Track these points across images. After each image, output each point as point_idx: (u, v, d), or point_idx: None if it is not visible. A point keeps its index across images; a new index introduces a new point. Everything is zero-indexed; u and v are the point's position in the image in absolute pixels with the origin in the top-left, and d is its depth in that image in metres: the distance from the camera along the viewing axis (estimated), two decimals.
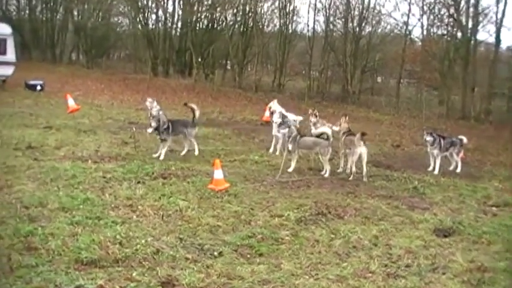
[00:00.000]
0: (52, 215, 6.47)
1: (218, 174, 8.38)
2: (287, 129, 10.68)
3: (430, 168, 11.71)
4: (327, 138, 10.36)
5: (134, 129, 12.15)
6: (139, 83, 30.84)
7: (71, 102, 14.66)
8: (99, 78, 31.62)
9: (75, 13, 44.78)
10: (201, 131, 14.12)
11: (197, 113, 11.69)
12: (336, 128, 11.10)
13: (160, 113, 12.31)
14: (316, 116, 12.27)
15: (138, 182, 8.41)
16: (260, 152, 12.32)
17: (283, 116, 12.28)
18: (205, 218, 6.84)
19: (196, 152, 11.31)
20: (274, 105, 14.79)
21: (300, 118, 13.89)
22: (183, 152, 11.39)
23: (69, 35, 46.00)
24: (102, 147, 11.30)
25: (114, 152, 10.74)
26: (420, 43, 34.66)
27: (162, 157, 10.56)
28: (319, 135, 10.58)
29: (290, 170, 10.41)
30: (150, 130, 11.17)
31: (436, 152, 11.62)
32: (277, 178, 9.61)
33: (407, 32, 34.20)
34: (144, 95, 23.24)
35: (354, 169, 10.26)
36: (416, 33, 47.08)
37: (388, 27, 36.24)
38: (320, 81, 35.74)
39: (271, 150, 12.34)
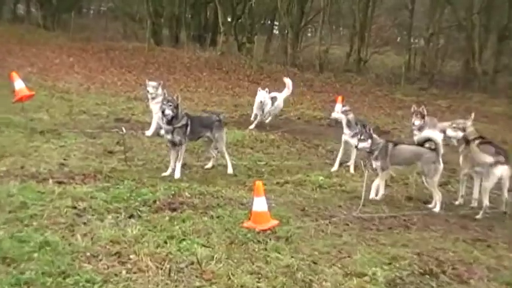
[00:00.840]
0: None
1: (260, 204, 8.42)
2: (369, 141, 10.62)
3: None
4: (435, 148, 10.25)
5: (124, 130, 12.20)
6: (132, 55, 31.61)
7: (19, 84, 14.35)
8: (66, 46, 32.62)
9: None
10: (231, 135, 14.51)
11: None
12: (452, 133, 10.92)
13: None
14: (423, 117, 12.34)
15: (131, 216, 8.51)
16: (327, 169, 12.43)
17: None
18: (238, 276, 6.85)
19: (230, 170, 11.76)
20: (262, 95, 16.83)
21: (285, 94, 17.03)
22: (209, 165, 11.98)
23: None
24: (71, 159, 11.54)
25: (91, 167, 10.98)
26: None
27: (178, 175, 10.99)
28: (422, 143, 10.50)
29: (377, 197, 10.52)
30: (149, 132, 11.44)
31: None
32: (356, 213, 9.62)
33: None
34: (140, 75, 23.86)
35: (486, 202, 10.11)
36: None
37: None
38: (427, 54, 35.46)
39: (335, 167, 12.65)
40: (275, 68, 32.05)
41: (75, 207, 8.63)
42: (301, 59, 35.48)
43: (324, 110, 19.33)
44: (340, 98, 17.57)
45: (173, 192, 9.74)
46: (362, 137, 10.68)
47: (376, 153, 10.48)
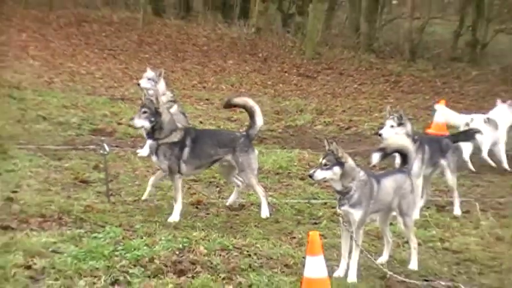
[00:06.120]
0: None
1: (315, 267, 8.42)
2: None
3: None
4: None
5: (106, 148, 12.26)
6: (119, 31, 32.03)
7: None
8: (17, 16, 33.13)
9: None
10: (271, 158, 14.88)
11: (258, 118, 12.33)
12: None
13: (175, 107, 13.74)
14: None
15: (115, 282, 8.63)
16: (420, 214, 12.41)
17: None
18: None
19: (265, 212, 12.00)
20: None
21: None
22: (230, 200, 12.29)
23: None
24: (23, 192, 11.74)
25: (54, 205, 11.15)
26: None
27: (176, 217, 11.43)
28: None
29: None
30: (144, 151, 11.81)
31: None
32: (468, 286, 9.63)
33: None
34: (131, 62, 24.08)
35: None
36: None
37: None
38: None
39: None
40: (340, 53, 32.07)
41: (29, 267, 8.68)
42: (381, 41, 35.50)
43: (417, 120, 19.17)
44: (442, 102, 17.94)
45: (181, 245, 9.82)
46: None
47: None
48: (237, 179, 12.34)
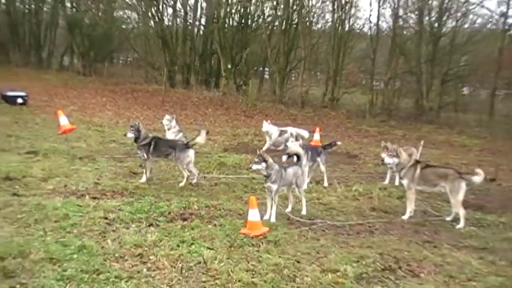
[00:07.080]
0: (36, 267, 6.54)
1: (254, 215, 8.53)
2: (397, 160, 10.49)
3: None
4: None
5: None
6: (152, 95, 31.60)
7: (63, 120, 14.41)
8: (100, 89, 32.60)
9: (68, 4, 44.72)
10: (231, 159, 14.70)
11: (198, 139, 12.22)
12: (389, 160, 10.64)
13: (180, 135, 14.27)
14: (387, 150, 11.06)
15: (150, 225, 8.60)
16: (307, 186, 12.36)
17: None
18: (236, 273, 6.87)
19: (181, 184, 11.70)
20: (268, 127, 16.91)
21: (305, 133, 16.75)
22: (182, 183, 11.74)
23: (60, 33, 46.82)
24: (103, 179, 11.60)
25: (119, 186, 11.03)
26: None
27: (142, 180, 11.51)
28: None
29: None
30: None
31: None
32: (331, 221, 9.70)
33: (507, 27, 33.62)
34: (158, 111, 23.95)
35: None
36: None
37: (479, 20, 35.89)
38: (386, 94, 35.57)
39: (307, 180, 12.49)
40: (266, 105, 32.11)
41: (106, 218, 8.70)
42: (286, 97, 35.57)
43: (305, 140, 19.12)
44: (317, 129, 18.03)
45: (184, 205, 9.76)
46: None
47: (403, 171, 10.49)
48: (191, 172, 12.07)
